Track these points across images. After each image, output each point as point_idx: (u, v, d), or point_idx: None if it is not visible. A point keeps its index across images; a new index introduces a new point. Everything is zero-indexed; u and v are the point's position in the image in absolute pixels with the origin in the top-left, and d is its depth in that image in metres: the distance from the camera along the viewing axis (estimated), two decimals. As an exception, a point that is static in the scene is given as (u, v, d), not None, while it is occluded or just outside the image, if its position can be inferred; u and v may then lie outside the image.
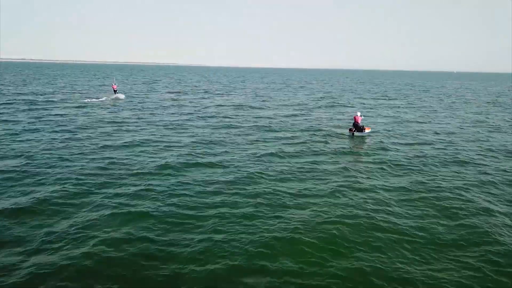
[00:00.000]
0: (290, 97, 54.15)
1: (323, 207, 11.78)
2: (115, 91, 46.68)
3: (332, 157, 18.69)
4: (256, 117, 31.30)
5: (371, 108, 41.44)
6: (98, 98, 42.49)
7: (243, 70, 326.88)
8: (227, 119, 29.65)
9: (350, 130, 24.87)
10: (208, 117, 30.88)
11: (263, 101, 46.56)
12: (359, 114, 25.39)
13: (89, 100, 40.73)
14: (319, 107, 41.76)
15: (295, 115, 33.68)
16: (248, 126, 26.69)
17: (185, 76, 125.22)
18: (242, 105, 39.95)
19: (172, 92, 56.02)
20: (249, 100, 46.37)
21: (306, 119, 31.47)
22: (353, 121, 25.16)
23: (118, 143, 20.00)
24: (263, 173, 15.02)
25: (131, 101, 41.75)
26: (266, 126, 26.90)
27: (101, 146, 19.15)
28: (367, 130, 24.84)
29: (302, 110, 38.14)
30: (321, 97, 54.63)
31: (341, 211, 11.59)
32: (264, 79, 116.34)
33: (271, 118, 31.23)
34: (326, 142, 22.25)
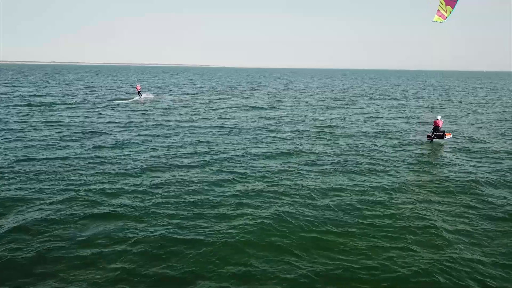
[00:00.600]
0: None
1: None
2: (139, 92, 47.33)
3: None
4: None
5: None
6: (128, 99, 44.21)
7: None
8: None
9: (429, 136, 22.53)
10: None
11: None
12: (439, 117, 22.88)
13: (122, 101, 42.14)
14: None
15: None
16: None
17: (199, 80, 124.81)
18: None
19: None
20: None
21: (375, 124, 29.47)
22: (432, 126, 22.77)
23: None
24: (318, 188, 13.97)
25: (159, 100, 42.25)
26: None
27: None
28: (448, 136, 22.54)
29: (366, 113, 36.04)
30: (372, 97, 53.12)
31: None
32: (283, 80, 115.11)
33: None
34: (399, 150, 19.94)
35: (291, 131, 24.93)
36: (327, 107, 39.65)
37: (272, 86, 78.53)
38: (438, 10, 15.88)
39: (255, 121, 29.30)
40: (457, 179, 14.89)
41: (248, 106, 39.44)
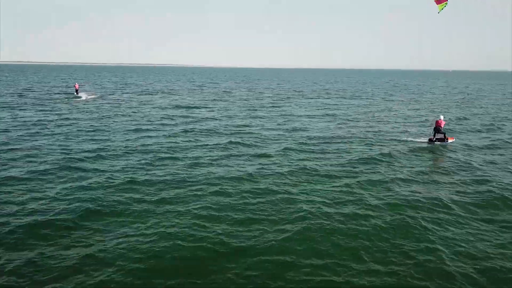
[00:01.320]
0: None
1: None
2: (76, 91, 47.53)
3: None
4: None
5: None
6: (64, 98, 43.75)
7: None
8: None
9: (430, 140, 21.66)
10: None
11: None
12: (442, 117, 21.93)
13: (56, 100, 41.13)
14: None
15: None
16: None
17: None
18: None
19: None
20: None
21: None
22: (433, 127, 21.80)
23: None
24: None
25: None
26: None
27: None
28: (450, 140, 21.73)
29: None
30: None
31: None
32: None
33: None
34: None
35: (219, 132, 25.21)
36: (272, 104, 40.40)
37: (223, 86, 78.84)
38: None
39: (174, 120, 29.39)
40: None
41: (177, 105, 39.50)
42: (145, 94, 54.49)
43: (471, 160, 18.28)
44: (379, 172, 15.92)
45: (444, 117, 22.24)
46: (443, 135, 21.68)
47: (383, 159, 17.97)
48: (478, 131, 27.13)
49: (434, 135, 21.68)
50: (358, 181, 14.46)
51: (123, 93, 55.45)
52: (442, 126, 21.51)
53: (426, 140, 22.26)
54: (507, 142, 22.97)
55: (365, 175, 15.44)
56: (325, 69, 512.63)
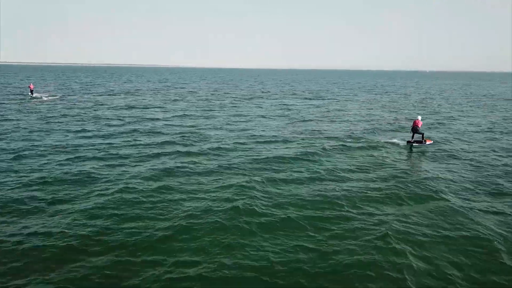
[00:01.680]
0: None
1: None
2: (31, 91, 46.38)
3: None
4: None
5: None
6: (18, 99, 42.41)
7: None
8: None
9: (409, 142, 21.43)
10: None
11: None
12: (419, 118, 21.54)
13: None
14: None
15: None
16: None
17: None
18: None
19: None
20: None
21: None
22: (411, 127, 21.47)
23: None
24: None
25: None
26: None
27: None
28: (428, 143, 21.53)
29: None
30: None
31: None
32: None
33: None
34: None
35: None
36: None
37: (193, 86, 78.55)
38: None
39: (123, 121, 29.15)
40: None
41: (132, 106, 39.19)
42: (108, 95, 53.68)
43: (386, 157, 18.88)
44: (291, 170, 16.18)
45: (421, 117, 22.00)
46: (421, 136, 21.47)
47: (303, 158, 18.29)
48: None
49: (412, 136, 21.50)
50: (261, 178, 14.67)
51: (85, 94, 54.47)
52: (420, 126, 21.22)
53: (358, 139, 22.65)
54: (437, 141, 23.72)
55: (272, 172, 15.68)
56: (320, 70, 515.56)
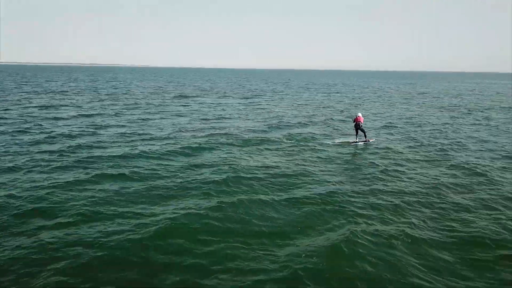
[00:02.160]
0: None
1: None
2: None
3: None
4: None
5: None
6: None
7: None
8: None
9: (354, 142, 20.96)
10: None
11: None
12: (360, 114, 21.14)
13: None
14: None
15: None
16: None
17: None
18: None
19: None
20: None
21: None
22: (354, 124, 20.89)
23: None
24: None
25: None
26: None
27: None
28: (371, 141, 21.33)
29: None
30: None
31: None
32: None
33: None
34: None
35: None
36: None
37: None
38: None
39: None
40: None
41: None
42: (47, 93, 53.15)
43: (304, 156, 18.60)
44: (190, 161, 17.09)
45: (362, 114, 21.92)
46: (363, 134, 21.14)
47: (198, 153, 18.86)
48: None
49: (356, 135, 21.10)
50: (131, 171, 15.21)
51: (24, 92, 53.91)
52: (362, 121, 20.95)
53: (278, 137, 22.21)
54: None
55: (163, 163, 16.62)
56: (315, 70, 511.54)
